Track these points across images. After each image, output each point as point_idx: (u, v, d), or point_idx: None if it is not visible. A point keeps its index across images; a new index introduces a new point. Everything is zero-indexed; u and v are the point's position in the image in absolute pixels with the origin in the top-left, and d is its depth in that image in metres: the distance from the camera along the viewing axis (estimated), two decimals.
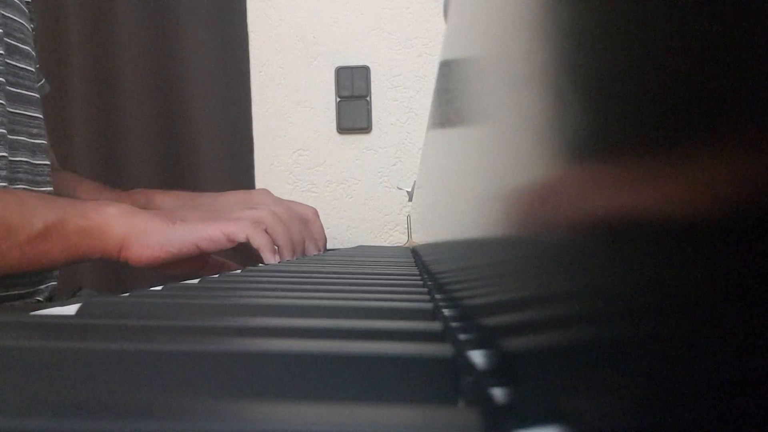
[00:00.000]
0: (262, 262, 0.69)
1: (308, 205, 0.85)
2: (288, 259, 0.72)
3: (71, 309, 0.28)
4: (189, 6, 1.42)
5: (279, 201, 0.84)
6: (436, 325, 0.22)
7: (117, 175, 1.37)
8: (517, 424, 0.13)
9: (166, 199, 0.84)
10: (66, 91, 1.41)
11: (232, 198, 0.85)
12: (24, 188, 0.74)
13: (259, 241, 0.68)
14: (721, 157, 0.06)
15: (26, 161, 0.76)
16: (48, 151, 0.82)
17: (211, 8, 1.42)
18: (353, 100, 1.46)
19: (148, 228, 0.65)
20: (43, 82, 0.94)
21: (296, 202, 0.86)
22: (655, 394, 0.08)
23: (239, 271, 0.55)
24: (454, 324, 0.25)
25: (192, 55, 1.42)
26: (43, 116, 0.80)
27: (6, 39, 0.75)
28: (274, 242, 0.70)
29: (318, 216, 0.85)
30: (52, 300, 0.77)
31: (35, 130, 0.79)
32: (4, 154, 0.72)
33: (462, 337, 0.22)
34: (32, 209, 0.62)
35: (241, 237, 0.67)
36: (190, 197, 0.86)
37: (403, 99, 1.47)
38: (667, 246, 0.07)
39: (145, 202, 0.83)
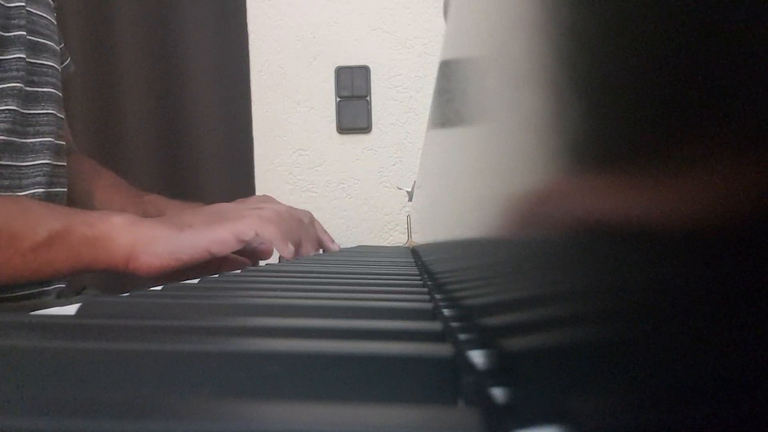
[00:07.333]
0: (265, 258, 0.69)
1: (304, 210, 0.85)
2: (288, 259, 0.72)
3: (71, 309, 0.28)
4: (189, 6, 1.42)
5: (279, 203, 0.84)
6: (436, 325, 0.22)
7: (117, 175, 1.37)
8: (517, 424, 0.13)
9: (177, 211, 0.83)
10: (66, 91, 1.41)
11: (233, 204, 0.84)
12: (42, 191, 0.74)
13: (269, 234, 0.68)
14: (723, 157, 0.06)
15: (48, 163, 0.75)
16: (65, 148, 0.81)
17: (211, 8, 1.43)
18: (353, 100, 1.46)
19: (156, 236, 0.63)
20: (68, 61, 0.92)
21: (293, 207, 0.86)
22: (655, 394, 0.08)
23: (239, 271, 0.55)
24: (454, 324, 0.25)
25: (192, 56, 1.42)
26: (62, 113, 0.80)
27: (30, 37, 0.74)
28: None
29: (314, 219, 0.85)
30: (59, 298, 0.76)
31: (60, 130, 0.78)
32: (9, 162, 0.71)
33: (462, 337, 0.22)
34: (37, 218, 0.61)
35: (250, 234, 0.67)
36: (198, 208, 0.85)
37: (403, 99, 1.47)
38: (665, 246, 0.07)
39: (156, 213, 0.82)
